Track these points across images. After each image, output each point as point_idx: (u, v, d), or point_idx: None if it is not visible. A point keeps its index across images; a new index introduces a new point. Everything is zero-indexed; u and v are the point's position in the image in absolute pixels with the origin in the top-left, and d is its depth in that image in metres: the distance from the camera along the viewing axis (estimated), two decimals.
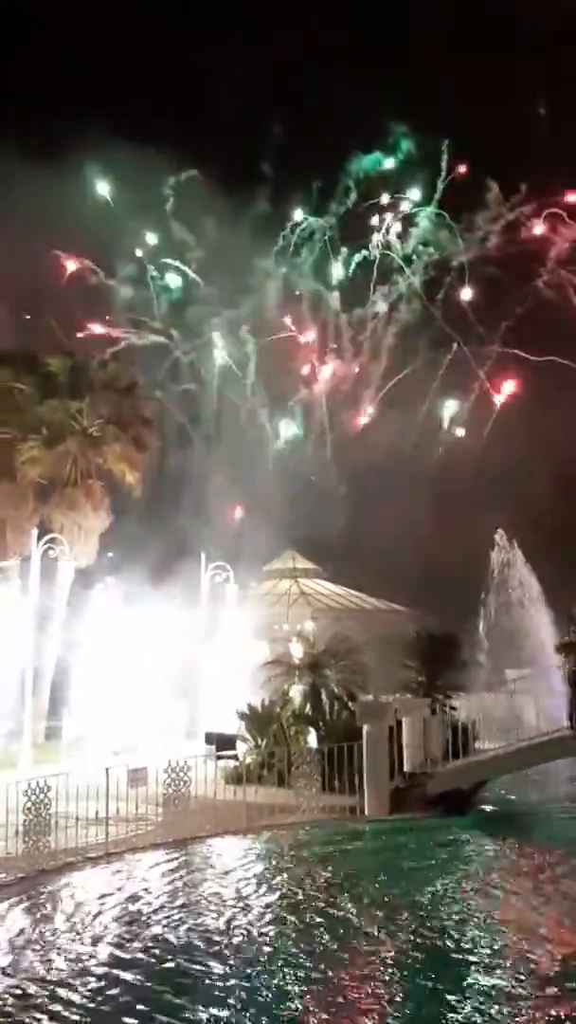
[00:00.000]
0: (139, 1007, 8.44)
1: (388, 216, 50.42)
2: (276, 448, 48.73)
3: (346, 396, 50.31)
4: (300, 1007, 8.40)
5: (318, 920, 11.00)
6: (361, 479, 44.13)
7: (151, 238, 48.82)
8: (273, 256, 50.32)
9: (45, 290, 42.00)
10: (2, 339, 35.32)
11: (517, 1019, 7.94)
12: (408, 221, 50.65)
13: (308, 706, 23.07)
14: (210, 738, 23.39)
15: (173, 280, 49.41)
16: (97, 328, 44.77)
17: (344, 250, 51.12)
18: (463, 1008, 8.16)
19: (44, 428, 32.30)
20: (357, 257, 51.07)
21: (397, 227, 50.86)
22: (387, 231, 50.61)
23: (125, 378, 35.58)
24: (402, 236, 50.66)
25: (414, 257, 50.60)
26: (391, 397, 49.52)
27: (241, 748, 22.10)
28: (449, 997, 8.40)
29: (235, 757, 21.32)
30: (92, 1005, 8.51)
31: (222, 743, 22.20)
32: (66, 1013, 8.34)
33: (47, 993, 8.75)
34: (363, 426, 49.47)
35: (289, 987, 8.88)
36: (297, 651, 25.76)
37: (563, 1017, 7.87)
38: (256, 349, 49.09)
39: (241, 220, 46.55)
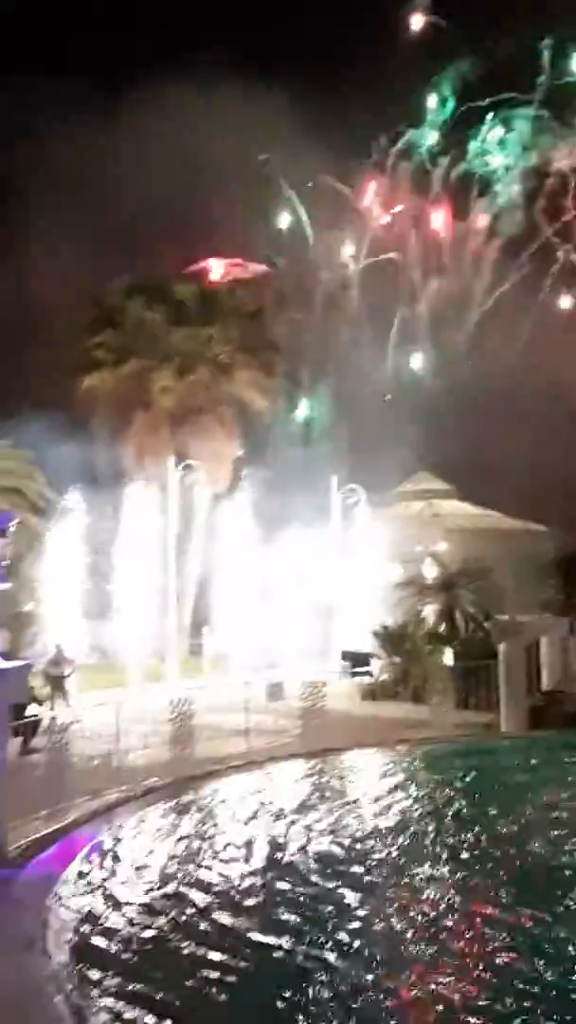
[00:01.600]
0: (284, 908, 8.89)
1: (488, 121, 47.83)
2: (391, 371, 47.79)
3: (450, 313, 48.70)
4: (429, 908, 8.66)
5: (447, 827, 11.25)
6: (485, 397, 42.82)
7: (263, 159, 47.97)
8: (372, 173, 48.88)
9: (155, 220, 42.09)
10: (130, 269, 35.92)
11: None
12: (508, 126, 47.89)
13: (442, 625, 23.11)
14: (345, 656, 23.90)
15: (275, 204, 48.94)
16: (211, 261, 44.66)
17: (444, 161, 48.90)
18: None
19: (176, 357, 32.89)
20: (456, 170, 48.86)
21: (498, 133, 48.20)
22: (485, 139, 48.06)
23: (252, 304, 35.69)
24: (502, 143, 48.07)
25: (515, 164, 47.94)
26: (497, 311, 47.69)
27: (375, 666, 22.44)
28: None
29: (369, 674, 21.70)
30: (241, 902, 9.04)
31: (357, 661, 22.64)
32: (213, 906, 8.90)
33: (203, 893, 9.32)
34: (471, 342, 47.79)
35: (420, 888, 9.15)
36: (430, 572, 25.71)
37: None
38: (360, 271, 48.06)
39: (338, 139, 45.02)
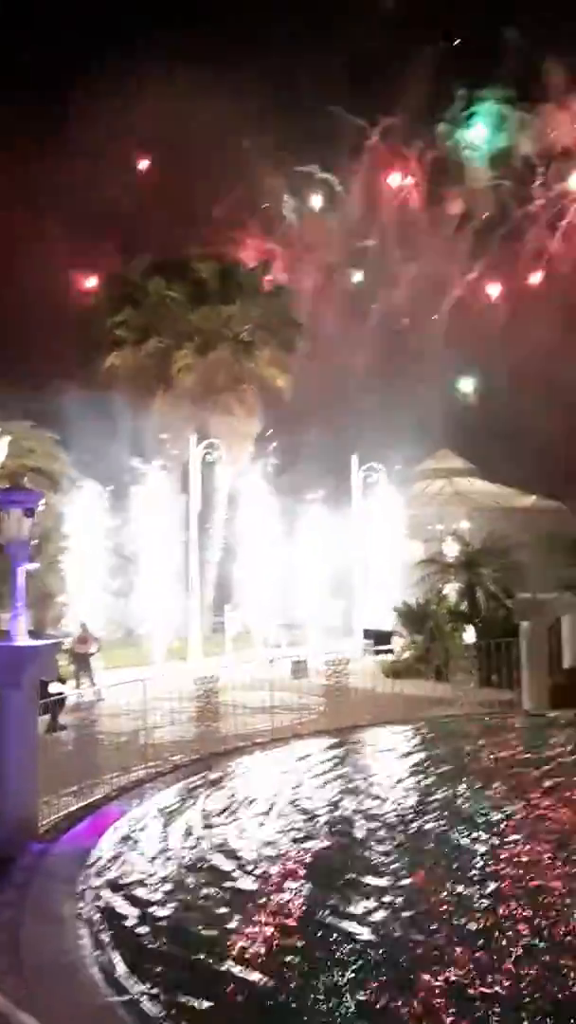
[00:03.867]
0: (308, 878, 9.07)
1: (457, 104, 48.59)
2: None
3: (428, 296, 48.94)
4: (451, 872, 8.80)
5: (468, 797, 11.38)
6: (504, 376, 42.84)
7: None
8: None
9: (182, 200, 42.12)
10: (150, 247, 35.91)
11: None
12: (478, 110, 48.31)
13: (464, 603, 23.16)
14: (368, 634, 24.04)
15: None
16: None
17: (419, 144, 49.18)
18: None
19: (197, 335, 32.88)
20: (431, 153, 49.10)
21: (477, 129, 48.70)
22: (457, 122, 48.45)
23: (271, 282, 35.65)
24: (470, 121, 48.79)
25: (485, 148, 48.60)
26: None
27: (397, 643, 22.56)
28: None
29: (391, 652, 21.82)
30: (266, 871, 9.22)
31: (379, 638, 22.76)
32: (239, 875, 9.08)
33: (231, 864, 9.51)
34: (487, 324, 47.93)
35: (437, 860, 9.28)
36: (452, 550, 25.73)
37: None
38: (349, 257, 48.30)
39: (319, 125, 45.17)
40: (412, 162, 51.74)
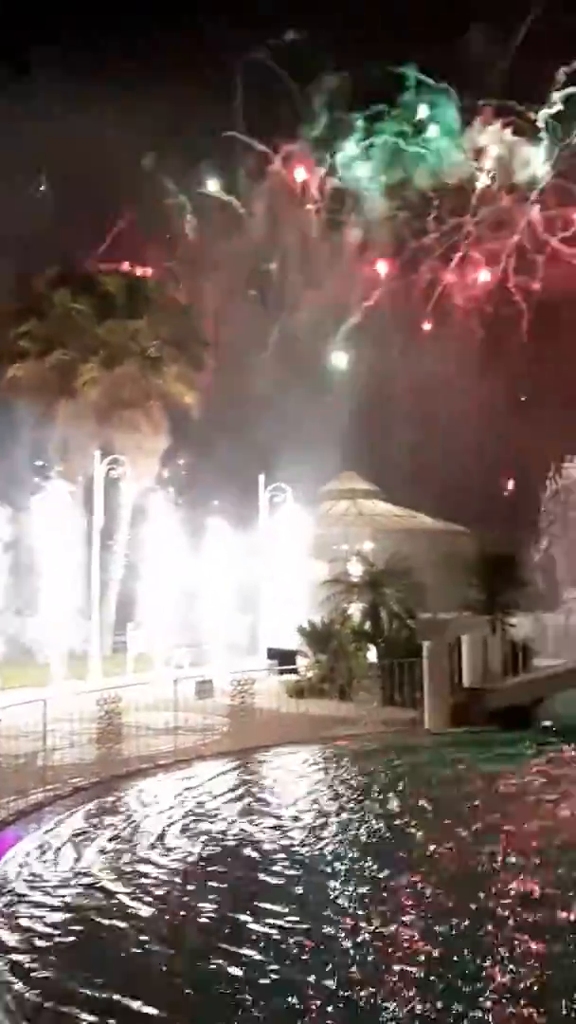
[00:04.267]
0: (209, 903, 8.89)
1: (355, 135, 50.12)
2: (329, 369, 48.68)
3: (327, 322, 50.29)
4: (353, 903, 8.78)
5: (373, 820, 11.43)
6: (404, 403, 43.95)
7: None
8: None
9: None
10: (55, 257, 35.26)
11: None
12: (375, 142, 50.27)
13: (367, 623, 23.41)
14: (272, 653, 24.01)
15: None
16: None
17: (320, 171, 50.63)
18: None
19: (102, 349, 32.44)
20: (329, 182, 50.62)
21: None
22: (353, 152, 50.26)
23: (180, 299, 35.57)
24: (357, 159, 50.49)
25: (380, 179, 50.21)
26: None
27: (302, 663, 22.60)
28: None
29: (296, 671, 21.84)
30: (163, 896, 9.02)
31: (283, 658, 22.75)
32: (138, 906, 8.85)
33: (131, 889, 9.25)
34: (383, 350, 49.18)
35: (342, 885, 9.25)
36: (356, 570, 26.03)
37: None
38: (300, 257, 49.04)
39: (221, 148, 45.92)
40: (312, 189, 53.04)
